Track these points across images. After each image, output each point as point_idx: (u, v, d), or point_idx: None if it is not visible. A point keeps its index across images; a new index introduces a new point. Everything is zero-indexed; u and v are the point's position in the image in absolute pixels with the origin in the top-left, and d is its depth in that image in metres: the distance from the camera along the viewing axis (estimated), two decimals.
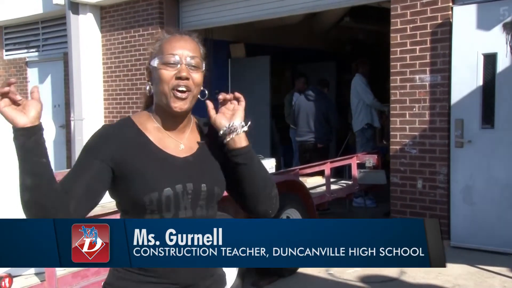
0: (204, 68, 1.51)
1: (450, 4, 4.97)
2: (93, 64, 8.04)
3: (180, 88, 1.46)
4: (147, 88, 1.55)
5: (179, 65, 1.46)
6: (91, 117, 8.01)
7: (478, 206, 4.87)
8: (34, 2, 8.55)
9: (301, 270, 4.46)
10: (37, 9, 8.54)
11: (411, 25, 5.21)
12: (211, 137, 1.57)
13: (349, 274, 4.35)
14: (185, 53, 1.48)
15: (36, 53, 9.28)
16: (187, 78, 1.46)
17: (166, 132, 1.52)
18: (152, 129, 1.51)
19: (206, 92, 1.54)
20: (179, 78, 1.45)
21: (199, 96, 1.53)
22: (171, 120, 1.51)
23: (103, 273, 3.01)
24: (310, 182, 5.75)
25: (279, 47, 9.06)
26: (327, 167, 5.35)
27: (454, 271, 4.32)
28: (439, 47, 5.05)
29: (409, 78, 5.26)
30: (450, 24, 4.95)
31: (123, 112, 7.95)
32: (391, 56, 5.38)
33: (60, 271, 2.85)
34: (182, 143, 1.53)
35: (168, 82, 1.45)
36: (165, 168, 1.46)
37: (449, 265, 4.41)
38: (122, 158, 1.43)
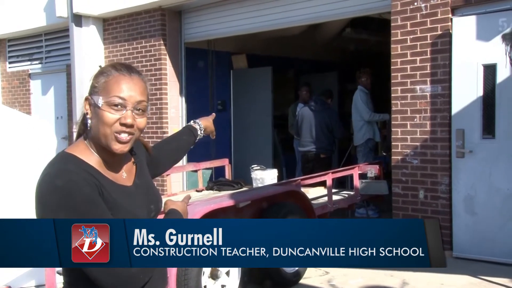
0: (148, 111, 1.49)
1: (450, 15, 5.00)
2: None
3: (122, 135, 1.41)
4: (88, 122, 1.45)
5: (124, 111, 1.40)
6: None
7: (480, 216, 4.86)
8: (37, 14, 8.63)
9: (303, 281, 4.45)
10: (40, 22, 8.62)
11: (411, 36, 5.24)
12: (139, 151, 1.63)
13: (351, 285, 4.34)
14: (132, 97, 1.41)
15: (39, 65, 9.35)
16: (131, 126, 1.41)
17: (106, 164, 1.47)
18: (96, 162, 1.44)
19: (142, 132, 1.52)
20: (123, 124, 1.40)
21: None
22: (111, 155, 1.46)
23: None
24: (312, 192, 5.75)
25: (281, 58, 9.11)
26: (329, 178, 5.35)
27: (457, 282, 4.30)
28: (439, 58, 5.07)
29: (410, 89, 5.28)
30: (450, 35, 4.98)
31: None
32: (391, 67, 5.41)
33: (60, 284, 2.85)
34: (123, 171, 1.51)
35: (111, 125, 1.39)
36: (131, 201, 1.46)
37: (451, 275, 4.40)
38: (103, 197, 1.39)
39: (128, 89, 1.41)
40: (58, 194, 1.31)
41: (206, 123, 2.10)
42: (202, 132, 2.06)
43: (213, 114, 2.22)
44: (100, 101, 1.40)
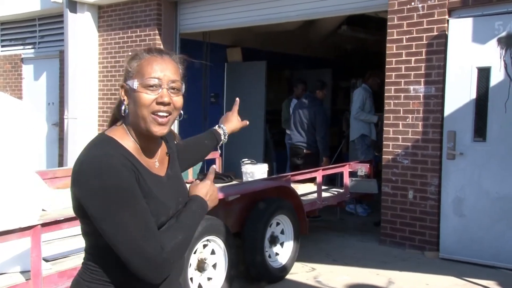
0: (184, 91, 1.49)
1: (446, 16, 5.00)
2: (89, 63, 8.02)
3: (161, 113, 1.42)
4: (122, 107, 1.47)
5: (160, 90, 1.42)
6: (85, 116, 7.98)
7: (468, 218, 4.89)
8: None
9: (289, 277, 4.46)
10: (34, 6, 8.52)
11: (407, 36, 5.24)
12: (171, 142, 1.65)
13: (337, 282, 4.35)
14: (166, 76, 1.43)
15: (32, 50, 9.25)
16: (168, 104, 1.43)
17: (143, 150, 1.48)
18: (133, 149, 1.45)
19: (182, 113, 1.53)
20: (160, 103, 1.41)
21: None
22: (148, 140, 1.48)
23: None
24: (302, 188, 5.75)
25: (276, 53, 9.09)
26: (319, 175, 5.35)
27: (442, 283, 4.33)
28: (434, 59, 5.08)
29: (403, 89, 5.29)
30: (445, 37, 4.98)
31: None
32: (386, 66, 5.41)
33: (45, 270, 2.83)
34: (156, 160, 1.53)
35: (148, 106, 1.41)
36: (163, 192, 1.47)
37: (437, 276, 4.43)
38: (139, 185, 1.40)
39: (161, 69, 1.43)
40: (96, 179, 1.31)
41: (232, 127, 2.07)
42: (226, 137, 2.04)
43: (237, 100, 2.12)
44: (135, 83, 1.42)
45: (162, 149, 1.57)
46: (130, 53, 1.53)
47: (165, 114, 1.43)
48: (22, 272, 2.86)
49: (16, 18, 9.17)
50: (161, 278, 1.37)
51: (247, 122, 2.13)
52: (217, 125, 2.05)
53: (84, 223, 1.43)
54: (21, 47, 9.41)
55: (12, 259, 2.89)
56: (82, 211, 1.37)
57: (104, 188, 1.31)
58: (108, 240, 1.33)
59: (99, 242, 1.38)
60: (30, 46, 9.28)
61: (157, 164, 1.52)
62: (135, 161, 1.41)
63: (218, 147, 2.04)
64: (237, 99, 2.13)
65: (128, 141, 1.45)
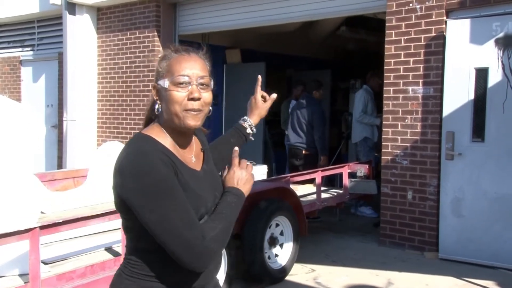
0: (212, 86, 1.55)
1: (444, 18, 5.01)
2: (88, 65, 8.03)
3: (192, 109, 1.49)
4: (156, 107, 1.54)
5: (190, 86, 1.48)
6: (84, 118, 7.98)
7: (467, 219, 4.89)
8: (30, 1, 8.53)
9: (289, 278, 4.46)
10: (33, 8, 8.52)
11: (405, 37, 5.25)
12: (203, 139, 1.70)
13: (337, 283, 4.35)
14: (195, 73, 1.50)
15: (31, 52, 9.25)
16: (199, 99, 1.49)
17: (179, 146, 1.55)
18: (170, 145, 1.52)
19: (211, 109, 1.57)
20: (191, 99, 1.48)
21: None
22: (182, 136, 1.55)
23: (88, 276, 3.00)
24: (301, 189, 5.75)
25: (275, 54, 9.09)
26: (318, 176, 5.35)
27: (441, 283, 4.33)
28: (432, 60, 5.08)
29: (402, 90, 5.29)
30: (443, 38, 4.99)
31: (116, 114, 7.93)
32: (385, 67, 5.41)
33: (44, 273, 2.83)
34: (192, 155, 1.60)
35: (180, 103, 1.48)
36: (200, 186, 1.53)
37: (436, 277, 4.43)
38: (178, 178, 1.46)
39: (189, 67, 1.50)
40: (136, 175, 1.39)
41: (258, 113, 2.03)
42: (253, 129, 2.03)
43: (259, 77, 2.04)
44: (166, 82, 1.49)
45: (197, 145, 1.64)
46: (159, 55, 1.58)
47: (196, 109, 1.49)
48: (20, 275, 2.86)
49: (14, 20, 9.17)
50: (203, 266, 1.43)
51: (275, 95, 2.06)
52: (241, 119, 2.03)
53: (125, 219, 1.50)
54: (20, 49, 9.41)
55: (11, 262, 2.89)
56: (123, 207, 1.45)
57: (144, 183, 1.38)
58: (152, 231, 1.39)
59: (140, 237, 1.45)
60: (29, 48, 9.29)
61: (194, 159, 1.59)
62: (172, 157, 1.48)
63: (247, 141, 2.01)
64: (259, 76, 2.05)
65: (164, 138, 1.52)
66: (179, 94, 1.47)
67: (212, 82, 1.55)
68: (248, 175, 1.62)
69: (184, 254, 1.39)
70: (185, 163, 1.52)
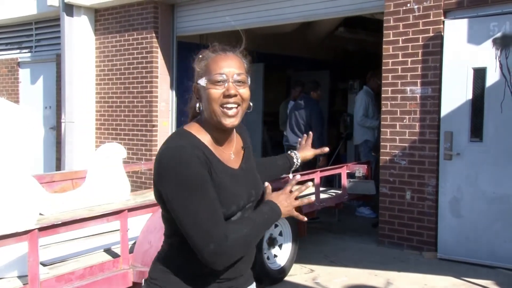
0: (250, 83, 1.59)
1: (442, 18, 5.02)
2: (86, 66, 8.02)
3: (229, 105, 1.53)
4: (197, 105, 1.61)
5: (226, 83, 1.53)
6: (82, 119, 7.98)
7: (465, 218, 4.90)
8: (28, 2, 8.52)
9: (288, 278, 4.46)
10: (31, 10, 8.52)
11: (403, 37, 5.26)
12: (246, 138, 1.75)
13: (336, 284, 4.35)
14: (231, 71, 1.54)
15: (29, 54, 9.24)
16: (235, 95, 1.53)
17: (218, 143, 1.60)
18: (208, 142, 1.57)
19: (251, 104, 1.62)
20: (227, 96, 1.52)
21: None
22: (222, 133, 1.60)
23: (87, 277, 3.00)
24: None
25: (273, 55, 9.09)
26: (317, 176, 5.35)
27: (440, 283, 4.34)
28: (430, 60, 5.09)
29: (400, 90, 5.30)
30: (441, 38, 5.00)
31: (114, 116, 7.93)
32: (383, 68, 5.42)
33: (43, 275, 2.83)
34: (232, 152, 1.64)
35: (217, 100, 1.52)
36: (234, 183, 1.57)
37: (435, 276, 4.43)
38: (211, 175, 1.51)
39: (225, 65, 1.54)
40: (172, 168, 1.46)
41: (304, 155, 2.17)
42: (298, 161, 2.13)
43: (310, 134, 2.25)
44: (204, 81, 1.55)
45: (238, 143, 1.69)
46: (198, 56, 1.63)
47: (233, 105, 1.53)
48: (19, 277, 2.86)
49: (12, 22, 9.16)
50: (221, 265, 1.47)
51: (326, 149, 2.25)
52: (289, 151, 2.16)
53: (165, 210, 1.56)
54: (18, 51, 9.40)
55: (10, 264, 2.88)
56: (161, 198, 1.52)
57: (177, 177, 1.45)
58: (179, 223, 1.46)
59: (175, 229, 1.51)
60: (26, 50, 9.28)
61: (233, 156, 1.64)
62: (208, 153, 1.53)
63: (291, 171, 2.10)
64: (310, 132, 2.25)
65: (203, 135, 1.57)
66: (216, 91, 1.52)
67: (249, 79, 1.59)
68: (291, 207, 1.63)
69: (205, 250, 1.43)
70: (221, 160, 1.57)
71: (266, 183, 1.68)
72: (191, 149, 1.49)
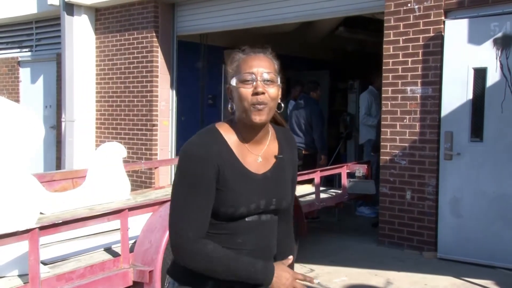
0: (279, 82, 1.62)
1: (443, 18, 5.02)
2: (86, 65, 8.02)
3: (259, 104, 1.56)
4: (229, 105, 1.65)
5: (255, 82, 1.57)
6: (82, 118, 7.98)
7: (466, 218, 4.90)
8: (28, 1, 8.52)
9: None
10: (31, 9, 8.52)
11: (403, 37, 5.26)
12: (287, 148, 1.73)
13: (336, 283, 4.35)
14: (260, 70, 1.58)
15: (29, 53, 9.24)
16: (263, 93, 1.56)
17: (246, 144, 1.63)
18: (234, 142, 1.62)
19: (282, 104, 1.65)
20: (255, 93, 1.56)
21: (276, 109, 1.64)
22: (251, 133, 1.63)
23: (88, 276, 3.00)
24: (300, 190, 5.76)
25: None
26: (317, 176, 5.36)
27: (440, 283, 4.34)
28: (431, 60, 5.09)
29: (400, 90, 5.30)
30: (442, 38, 5.00)
31: (114, 115, 7.93)
32: (383, 67, 5.42)
33: (44, 274, 2.83)
34: (260, 156, 1.65)
35: (247, 98, 1.56)
36: (248, 186, 1.59)
37: (435, 276, 4.44)
38: (221, 174, 1.56)
39: (255, 65, 1.59)
40: (181, 160, 1.57)
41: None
42: None
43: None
44: (235, 81, 1.59)
45: (271, 149, 1.69)
46: (229, 57, 1.68)
47: (261, 103, 1.56)
48: (20, 276, 2.86)
49: (12, 21, 9.16)
50: (180, 260, 1.55)
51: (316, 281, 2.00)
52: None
53: None
54: (18, 50, 9.40)
55: (10, 263, 2.89)
56: None
57: (181, 170, 1.56)
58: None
59: None
60: (27, 49, 9.28)
61: (260, 159, 1.65)
62: (227, 152, 1.58)
63: None
64: (290, 257, 1.76)
65: (230, 134, 1.62)
66: (245, 90, 1.56)
67: (278, 78, 1.62)
68: (290, 286, 1.59)
69: (171, 239, 1.55)
70: (240, 161, 1.60)
71: (290, 256, 1.70)
72: (205, 146, 1.56)
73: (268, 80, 1.58)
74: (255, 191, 1.60)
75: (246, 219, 1.59)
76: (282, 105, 1.65)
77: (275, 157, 1.68)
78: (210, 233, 1.56)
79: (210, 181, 1.54)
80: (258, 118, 1.56)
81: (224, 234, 1.58)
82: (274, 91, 1.59)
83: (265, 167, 1.65)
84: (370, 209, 6.98)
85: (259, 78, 1.57)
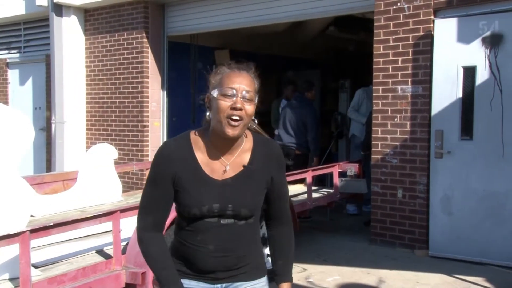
0: (256, 101, 1.73)
1: (432, 17, 5.05)
2: (76, 67, 7.97)
3: (234, 117, 1.66)
4: (207, 113, 1.77)
5: (235, 98, 1.67)
6: (72, 120, 7.93)
7: (456, 216, 4.93)
8: (16, 2, 8.45)
9: None
10: (19, 10, 8.45)
11: (393, 36, 5.28)
12: (263, 160, 1.80)
13: (329, 282, 4.36)
14: (241, 87, 1.69)
15: (18, 54, 9.17)
16: (240, 109, 1.67)
17: (217, 152, 1.75)
18: (204, 148, 1.75)
19: (256, 121, 1.80)
20: (234, 108, 1.66)
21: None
22: (222, 142, 1.73)
23: (80, 279, 2.98)
24: (292, 189, 5.76)
25: (264, 55, 9.09)
26: (309, 175, 5.37)
27: (432, 281, 4.36)
28: (421, 59, 5.12)
29: (391, 89, 5.33)
30: (431, 37, 5.03)
31: (105, 116, 7.89)
32: (374, 66, 5.44)
33: (35, 277, 2.81)
34: (228, 164, 1.75)
35: (224, 111, 1.66)
36: (201, 189, 1.72)
37: (427, 274, 4.46)
38: (179, 176, 1.72)
39: (237, 81, 1.69)
40: (153, 158, 1.77)
41: None
42: None
43: None
44: (216, 92, 1.70)
45: (242, 159, 1.77)
46: (214, 69, 1.79)
47: (237, 118, 1.67)
48: (11, 279, 2.83)
49: (0, 22, 9.07)
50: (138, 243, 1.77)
51: None
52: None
53: None
54: (6, 51, 9.32)
55: (1, 266, 2.86)
56: None
57: (151, 166, 1.77)
58: None
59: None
60: (15, 51, 9.20)
61: (228, 167, 1.75)
62: (190, 157, 1.74)
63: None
64: None
65: (201, 139, 1.77)
66: (224, 103, 1.66)
67: (256, 98, 1.73)
68: None
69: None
70: (200, 166, 1.73)
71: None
72: (172, 148, 1.74)
73: (247, 98, 1.68)
74: (209, 195, 1.71)
75: (206, 219, 1.72)
76: (256, 121, 1.78)
77: (243, 166, 1.76)
78: (181, 227, 1.77)
79: (166, 181, 1.72)
80: (231, 132, 1.67)
81: (188, 231, 1.74)
82: (250, 109, 1.69)
83: (229, 175, 1.75)
84: (354, 207, 7.01)
85: (239, 94, 1.67)
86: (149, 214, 1.74)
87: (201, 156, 1.74)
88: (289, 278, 1.96)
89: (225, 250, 1.75)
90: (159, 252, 1.73)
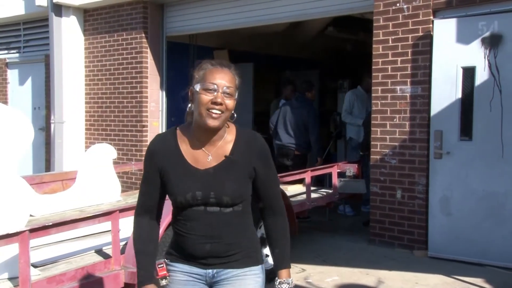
0: (236, 96, 1.84)
1: (431, 17, 5.05)
2: (75, 67, 7.97)
3: (214, 111, 1.78)
4: (189, 105, 1.89)
5: (215, 93, 1.78)
6: (71, 120, 7.92)
7: (456, 217, 4.93)
8: (16, 3, 8.45)
9: None
10: (19, 10, 8.44)
11: (393, 37, 5.28)
12: (246, 150, 1.88)
13: (327, 283, 4.37)
14: (222, 82, 1.80)
15: (17, 54, 9.16)
16: (221, 104, 1.78)
17: (199, 143, 1.87)
18: (187, 140, 1.88)
19: (235, 115, 1.86)
20: (214, 103, 1.78)
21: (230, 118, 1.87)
22: (204, 134, 1.85)
23: (79, 278, 2.98)
24: (291, 190, 5.77)
25: (263, 55, 9.10)
26: (307, 176, 5.37)
27: (431, 281, 4.37)
28: (420, 59, 5.12)
29: (390, 89, 5.33)
30: (430, 37, 5.03)
31: (104, 116, 7.89)
32: (373, 67, 5.45)
33: (34, 276, 2.80)
34: (210, 155, 1.87)
35: (205, 104, 1.78)
36: (184, 178, 1.85)
37: (426, 275, 4.46)
38: (164, 168, 1.87)
39: (219, 77, 1.80)
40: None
41: None
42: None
43: None
44: (198, 87, 1.81)
45: (224, 150, 1.88)
46: (198, 63, 1.90)
47: (217, 111, 1.78)
48: (10, 279, 2.83)
49: (0, 22, 9.07)
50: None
51: None
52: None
53: None
54: (6, 51, 9.31)
55: (0, 266, 2.86)
56: None
57: (144, 160, 1.94)
58: None
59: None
60: (15, 51, 9.19)
61: (210, 157, 1.87)
62: (174, 148, 1.88)
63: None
64: None
65: (186, 132, 1.90)
66: (206, 97, 1.78)
67: (236, 93, 1.83)
68: None
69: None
70: (184, 156, 1.87)
71: None
72: (157, 142, 1.90)
73: (227, 93, 1.80)
74: (192, 183, 1.84)
75: (194, 208, 1.84)
76: (235, 115, 1.86)
77: (225, 156, 1.86)
78: (175, 217, 1.91)
79: (154, 172, 1.88)
80: (212, 123, 1.78)
81: (179, 219, 1.89)
82: (230, 103, 1.81)
83: (211, 164, 1.87)
84: (349, 207, 7.00)
85: (220, 90, 1.79)
86: (142, 204, 1.94)
87: (185, 147, 1.87)
88: (287, 265, 2.03)
89: (213, 237, 1.85)
90: (143, 237, 1.92)
